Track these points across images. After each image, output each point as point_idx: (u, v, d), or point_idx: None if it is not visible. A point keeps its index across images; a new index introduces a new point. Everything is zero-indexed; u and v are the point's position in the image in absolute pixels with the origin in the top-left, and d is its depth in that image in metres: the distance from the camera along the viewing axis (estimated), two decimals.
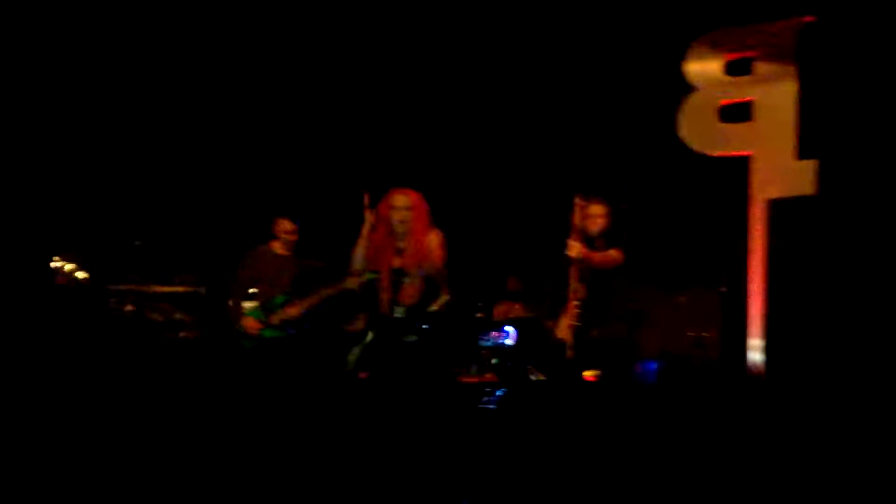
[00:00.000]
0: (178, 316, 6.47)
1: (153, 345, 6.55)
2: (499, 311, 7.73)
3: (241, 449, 4.59)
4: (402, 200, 4.80)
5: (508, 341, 7.36)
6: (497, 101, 7.42)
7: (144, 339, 6.56)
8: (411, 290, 4.79)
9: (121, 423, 5.25)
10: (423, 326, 4.86)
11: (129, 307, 6.74)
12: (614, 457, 4.20)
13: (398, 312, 4.83)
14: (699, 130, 5.43)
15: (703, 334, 5.29)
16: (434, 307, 4.68)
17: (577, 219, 4.80)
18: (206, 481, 4.07)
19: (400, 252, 4.84)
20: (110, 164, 7.73)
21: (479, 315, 7.57)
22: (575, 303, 4.68)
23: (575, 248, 4.68)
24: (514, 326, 7.30)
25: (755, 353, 5.17)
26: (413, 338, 4.61)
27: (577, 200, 4.91)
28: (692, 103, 5.45)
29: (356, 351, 4.82)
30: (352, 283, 4.80)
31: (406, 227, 4.80)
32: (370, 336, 4.83)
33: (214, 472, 4.21)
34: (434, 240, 4.85)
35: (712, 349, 5.26)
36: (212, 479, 4.10)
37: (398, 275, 4.83)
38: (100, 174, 7.72)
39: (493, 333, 7.42)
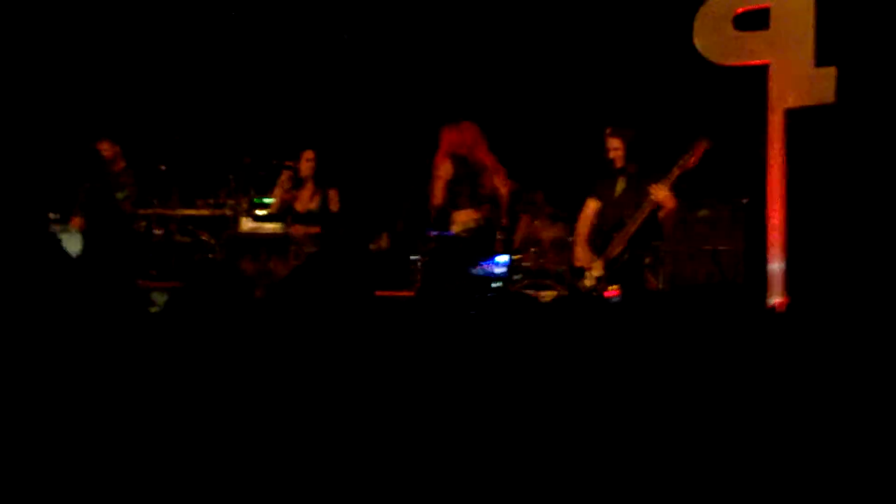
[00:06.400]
0: (204, 237, 6.31)
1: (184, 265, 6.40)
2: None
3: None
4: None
5: (499, 270, 7.17)
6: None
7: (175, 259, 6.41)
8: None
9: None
10: None
11: (157, 230, 6.63)
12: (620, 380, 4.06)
13: None
14: (715, 40, 5.26)
15: (720, 248, 5.20)
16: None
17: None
18: None
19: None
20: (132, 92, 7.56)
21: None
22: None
23: (661, 193, 4.60)
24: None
25: (776, 265, 5.11)
26: None
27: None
28: (707, 12, 5.27)
29: None
30: None
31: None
32: None
33: None
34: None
35: (731, 263, 5.18)
36: None
37: None
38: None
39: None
